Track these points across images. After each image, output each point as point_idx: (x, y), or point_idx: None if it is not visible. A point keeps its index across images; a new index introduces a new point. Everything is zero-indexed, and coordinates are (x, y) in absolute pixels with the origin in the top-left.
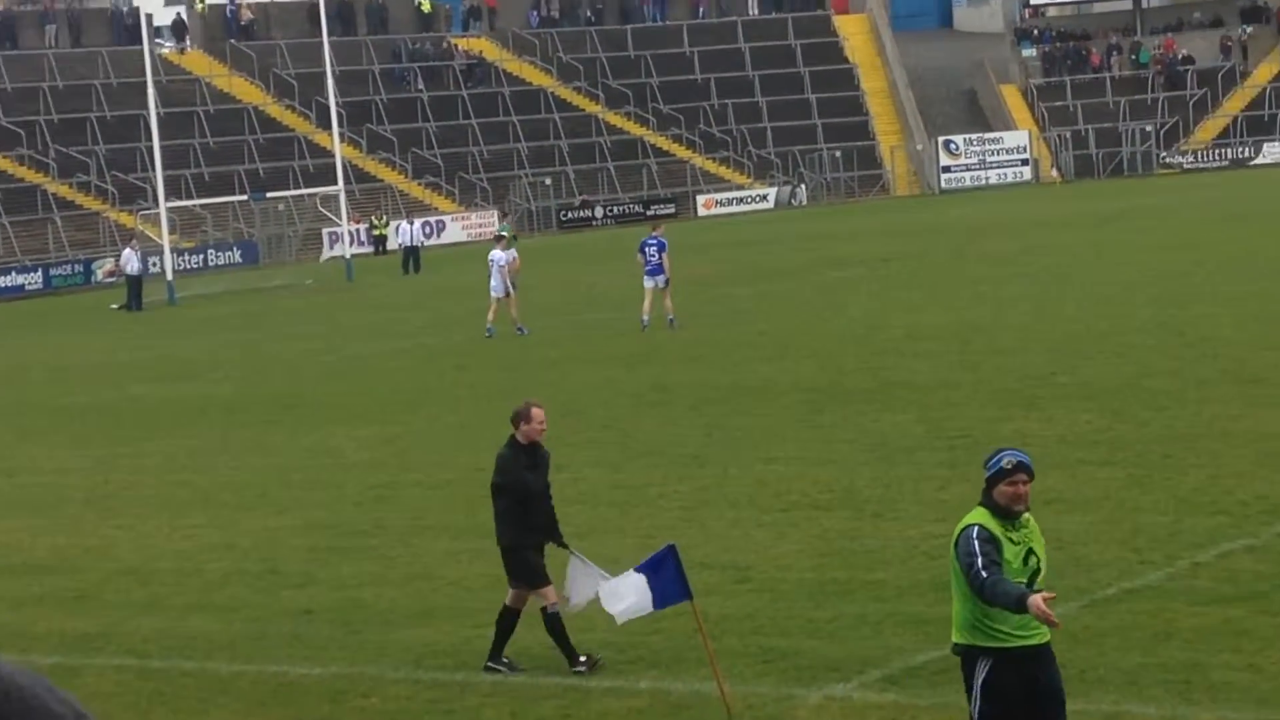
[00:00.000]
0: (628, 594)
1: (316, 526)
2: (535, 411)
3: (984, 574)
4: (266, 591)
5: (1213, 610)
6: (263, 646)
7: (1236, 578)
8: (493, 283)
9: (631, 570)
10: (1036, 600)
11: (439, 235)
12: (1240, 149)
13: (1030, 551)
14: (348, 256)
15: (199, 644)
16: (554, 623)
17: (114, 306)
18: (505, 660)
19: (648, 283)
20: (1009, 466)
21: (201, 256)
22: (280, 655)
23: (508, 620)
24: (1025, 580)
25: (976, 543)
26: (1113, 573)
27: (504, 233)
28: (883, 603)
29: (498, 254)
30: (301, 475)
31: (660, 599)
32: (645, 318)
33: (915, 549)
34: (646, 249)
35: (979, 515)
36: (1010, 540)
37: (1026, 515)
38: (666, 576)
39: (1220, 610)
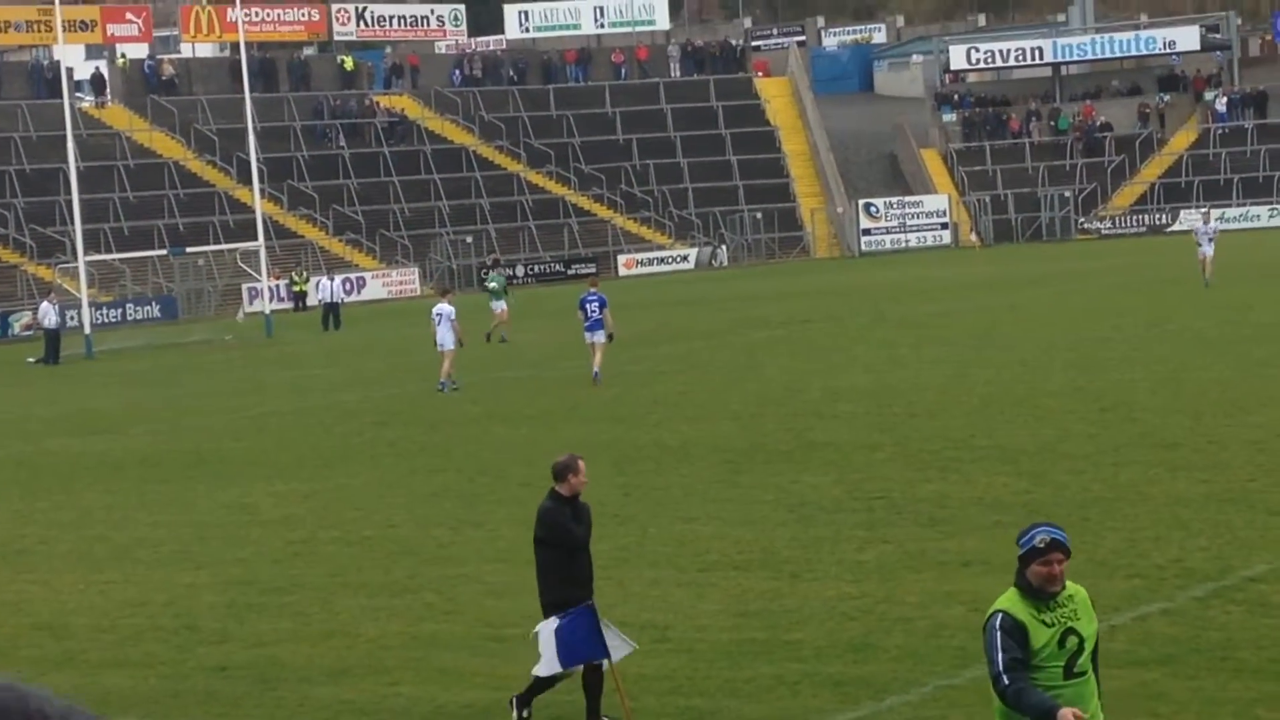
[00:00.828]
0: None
1: (233, 583)
2: (580, 465)
3: (1005, 679)
4: (182, 648)
5: (1128, 673)
6: (178, 704)
7: (1152, 641)
8: (441, 336)
9: (554, 619)
10: (1065, 716)
11: (359, 292)
12: (1157, 215)
13: (1070, 631)
14: (267, 312)
15: (113, 700)
16: (542, 685)
17: (31, 360)
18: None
19: (589, 338)
20: (1042, 545)
21: (120, 310)
22: (195, 712)
23: (590, 678)
24: (1064, 662)
25: (998, 635)
26: None
27: (493, 284)
28: (801, 663)
29: (444, 307)
30: (218, 531)
31: (571, 658)
32: (596, 370)
33: (833, 609)
34: (587, 305)
35: (1008, 599)
36: (1043, 623)
37: (1069, 592)
38: (582, 635)
39: (1136, 673)
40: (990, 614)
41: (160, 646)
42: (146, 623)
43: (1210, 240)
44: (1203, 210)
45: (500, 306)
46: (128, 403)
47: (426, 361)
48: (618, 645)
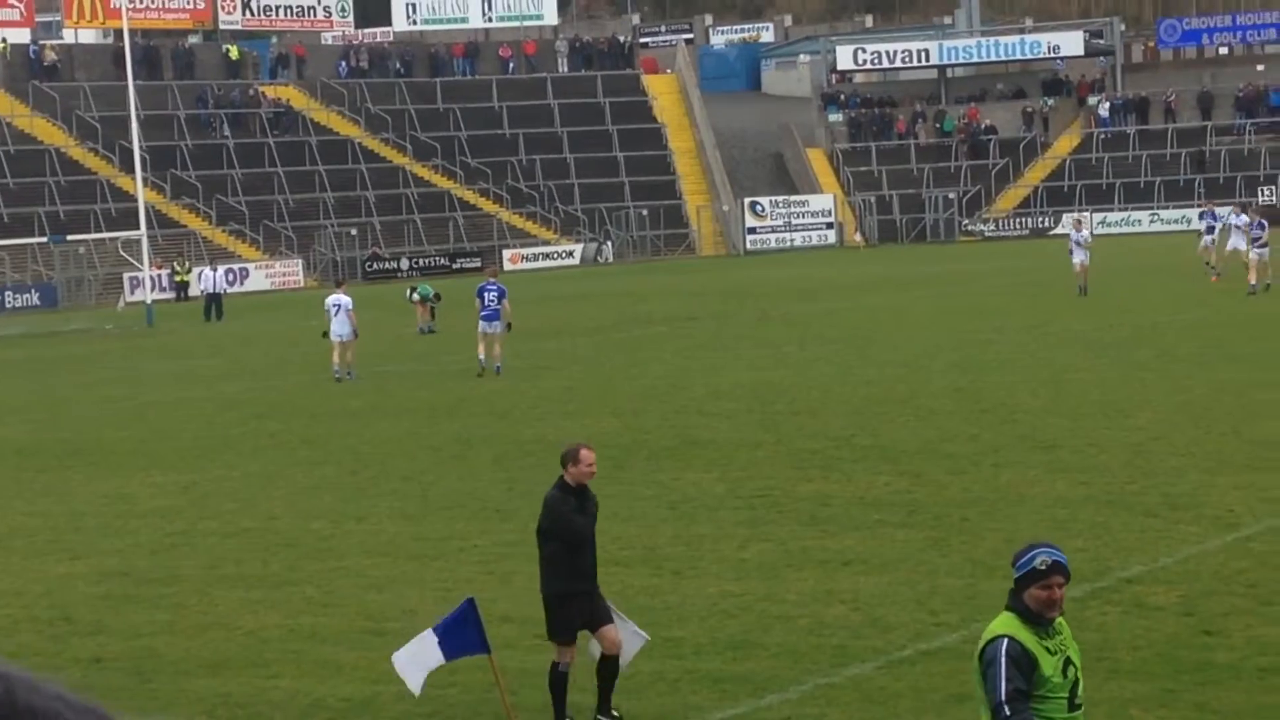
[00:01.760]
0: (419, 657)
1: (110, 574)
2: (585, 453)
3: (1007, 710)
4: (57, 639)
5: None
6: None
7: None
8: (337, 327)
9: (428, 631)
10: None
11: (242, 283)
12: (1040, 218)
13: (1069, 661)
14: (149, 302)
15: None
16: (560, 681)
17: None
18: (615, 713)
19: (484, 327)
20: (1043, 567)
21: None
22: None
23: (604, 669)
24: (1066, 695)
25: (1004, 663)
26: (909, 634)
27: (419, 295)
28: (680, 660)
29: (341, 297)
30: (96, 521)
31: (453, 650)
32: (482, 358)
33: (714, 607)
34: (485, 294)
35: (1007, 624)
36: (1046, 650)
37: (1060, 619)
38: (464, 630)
39: None
40: (992, 639)
41: (35, 638)
42: (21, 613)
43: (1083, 247)
44: (1075, 216)
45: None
46: (4, 391)
47: (309, 353)
48: (631, 638)
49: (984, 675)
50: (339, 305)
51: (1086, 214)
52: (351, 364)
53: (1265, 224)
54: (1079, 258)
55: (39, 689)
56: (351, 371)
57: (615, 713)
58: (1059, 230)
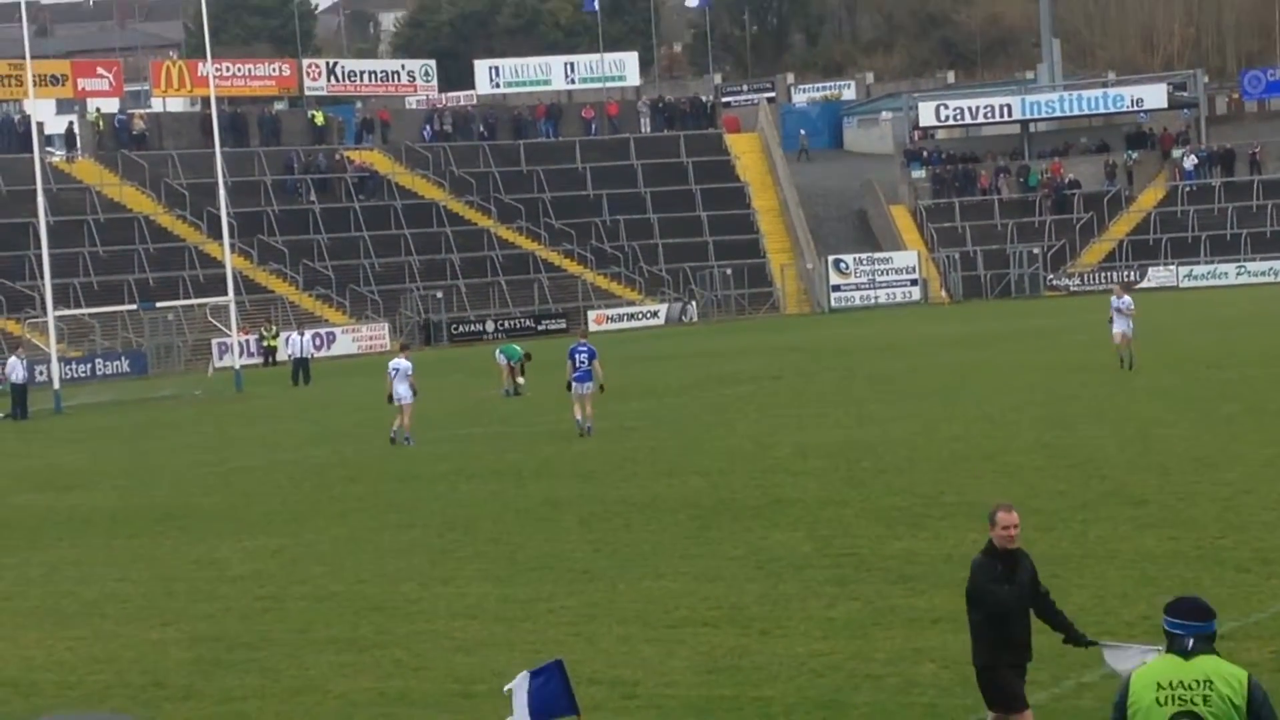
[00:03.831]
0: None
1: (201, 639)
2: (1000, 515)
3: None
4: (149, 704)
5: None
6: None
7: None
8: (398, 390)
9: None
10: None
11: (329, 347)
12: (1126, 272)
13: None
14: (237, 367)
15: None
16: None
17: None
18: None
19: (576, 389)
20: None
21: (89, 365)
22: None
23: None
24: None
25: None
26: None
27: (505, 357)
28: (770, 719)
29: (401, 362)
30: (186, 586)
31: (540, 711)
32: (579, 418)
33: (802, 666)
34: (576, 355)
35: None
36: None
37: None
38: (552, 690)
39: None
40: (1247, 677)
41: (127, 703)
42: (114, 679)
43: (1124, 314)
44: (1119, 280)
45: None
46: (96, 458)
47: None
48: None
49: (1262, 713)
50: (397, 369)
51: (1132, 274)
52: (408, 428)
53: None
54: (1119, 327)
55: None
56: (410, 437)
57: None
58: (1145, 284)
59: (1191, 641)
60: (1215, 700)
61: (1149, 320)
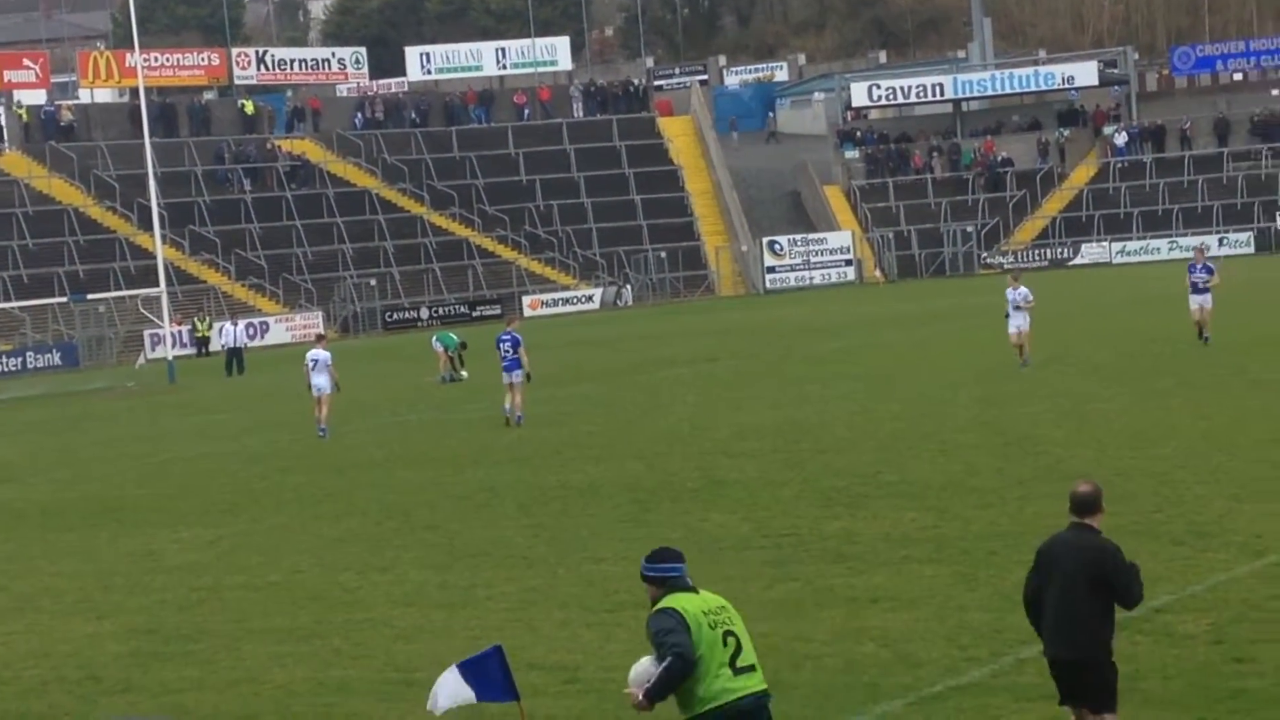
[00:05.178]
0: (446, 688)
1: (137, 631)
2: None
3: None
4: (85, 699)
5: (1037, 706)
6: None
7: None
8: (318, 381)
9: (453, 666)
10: None
11: (263, 337)
12: (1059, 249)
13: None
14: (170, 358)
15: None
16: None
17: None
18: None
19: (505, 378)
20: None
21: (20, 359)
22: None
23: None
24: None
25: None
26: (939, 670)
27: (441, 344)
28: None
29: (320, 353)
30: (122, 579)
31: (483, 693)
32: (507, 409)
33: None
34: (501, 344)
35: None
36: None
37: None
38: (491, 676)
39: (1045, 707)
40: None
41: (65, 697)
42: (50, 673)
43: (1022, 310)
44: (1008, 267)
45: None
46: (29, 451)
47: (333, 406)
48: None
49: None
50: (317, 360)
51: (1017, 264)
52: (326, 419)
53: (1212, 268)
54: (1016, 323)
55: None
56: (325, 429)
57: None
58: (1079, 260)
59: (689, 580)
60: (734, 617)
61: (1083, 296)
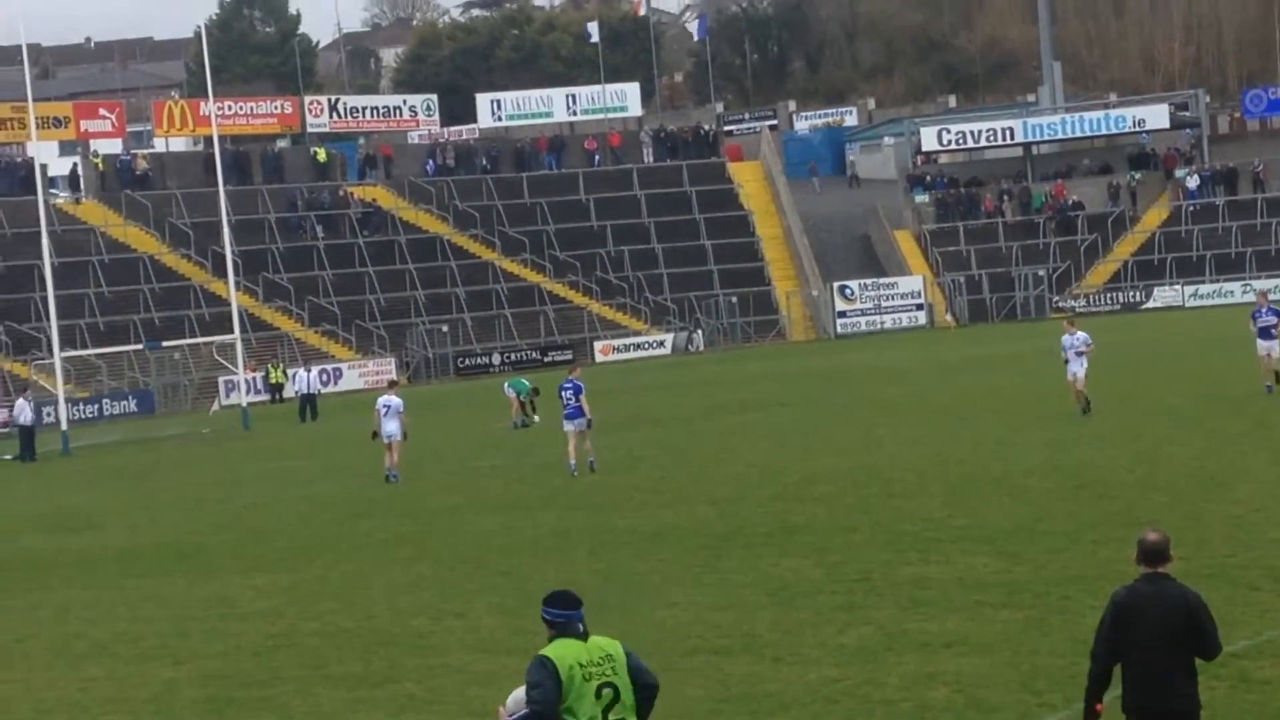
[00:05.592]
0: None
1: (213, 677)
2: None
3: None
4: None
5: None
6: None
7: None
8: (387, 427)
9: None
10: None
11: (336, 383)
12: (1131, 293)
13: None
14: (244, 405)
15: None
16: None
17: (7, 457)
18: None
19: (567, 426)
20: None
21: (96, 406)
22: None
23: None
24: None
25: None
26: (1012, 715)
27: (514, 391)
28: None
29: (391, 399)
30: (198, 625)
31: None
32: (571, 462)
33: (816, 693)
34: (563, 393)
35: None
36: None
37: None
38: None
39: None
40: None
41: None
42: (127, 719)
43: (1080, 355)
44: (1068, 313)
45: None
46: (105, 498)
47: (405, 452)
48: None
49: (640, 669)
50: (389, 406)
51: (1075, 308)
52: (397, 465)
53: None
54: (1074, 368)
55: None
56: (396, 474)
57: None
58: (1151, 304)
59: (581, 626)
60: (619, 668)
61: (1156, 340)
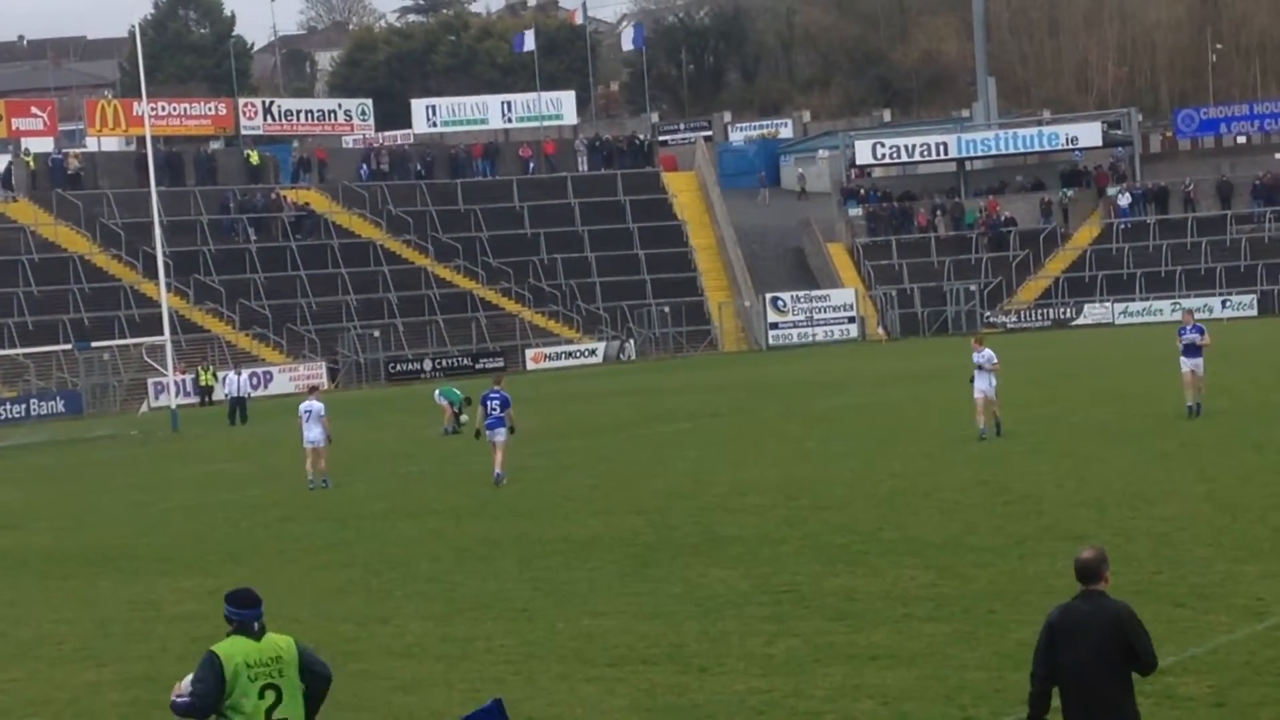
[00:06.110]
0: None
1: (137, 680)
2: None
3: None
4: None
5: None
6: None
7: None
8: (310, 433)
9: None
10: None
11: (266, 386)
12: (1062, 309)
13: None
14: (173, 407)
15: None
16: None
17: None
18: None
19: (489, 436)
20: None
21: (24, 406)
22: None
23: None
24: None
25: None
26: None
27: (446, 399)
28: None
29: (313, 404)
30: (122, 627)
31: None
32: (497, 471)
33: (742, 703)
34: (489, 402)
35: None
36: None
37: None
38: None
39: None
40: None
41: None
42: None
43: (986, 371)
44: (978, 331)
45: (444, 402)
46: (30, 498)
47: (333, 457)
48: None
49: (314, 665)
50: (310, 411)
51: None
52: (325, 471)
53: (1202, 329)
54: (980, 386)
55: None
56: (326, 480)
57: None
58: (1081, 320)
59: (257, 625)
60: (287, 669)
61: (1086, 356)
